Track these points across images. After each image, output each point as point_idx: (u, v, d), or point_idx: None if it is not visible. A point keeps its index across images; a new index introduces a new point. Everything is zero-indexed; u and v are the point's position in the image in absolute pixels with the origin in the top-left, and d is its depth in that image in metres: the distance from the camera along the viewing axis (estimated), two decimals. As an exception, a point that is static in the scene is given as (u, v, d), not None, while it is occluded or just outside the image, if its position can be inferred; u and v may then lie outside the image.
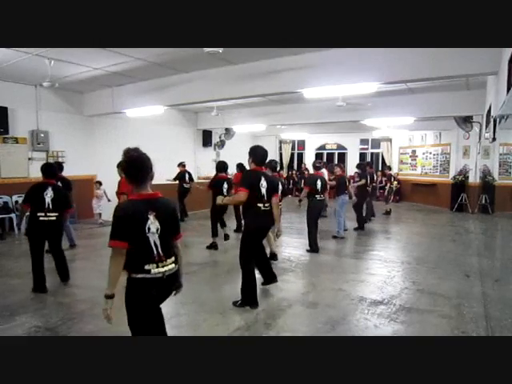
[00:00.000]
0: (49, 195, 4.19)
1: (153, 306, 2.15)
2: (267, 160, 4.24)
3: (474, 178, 11.08)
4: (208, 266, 5.53)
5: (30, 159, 7.94)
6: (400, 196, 13.35)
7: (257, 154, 4.01)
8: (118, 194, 5.28)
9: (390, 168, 12.22)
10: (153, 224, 2.07)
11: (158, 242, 2.10)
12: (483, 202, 10.82)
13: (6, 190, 7.54)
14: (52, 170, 4.46)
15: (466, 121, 9.61)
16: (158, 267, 2.09)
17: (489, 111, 6.01)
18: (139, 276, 2.06)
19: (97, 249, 6.41)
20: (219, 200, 4.34)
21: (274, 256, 5.62)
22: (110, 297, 2.04)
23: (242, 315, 3.76)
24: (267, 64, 5.86)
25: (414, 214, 10.45)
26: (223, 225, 6.75)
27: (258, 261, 4.16)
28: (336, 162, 15.24)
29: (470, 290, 4.55)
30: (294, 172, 16.55)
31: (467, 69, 4.66)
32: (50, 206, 4.19)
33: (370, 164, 10.58)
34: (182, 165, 9.60)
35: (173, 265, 2.19)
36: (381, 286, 4.68)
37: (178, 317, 3.66)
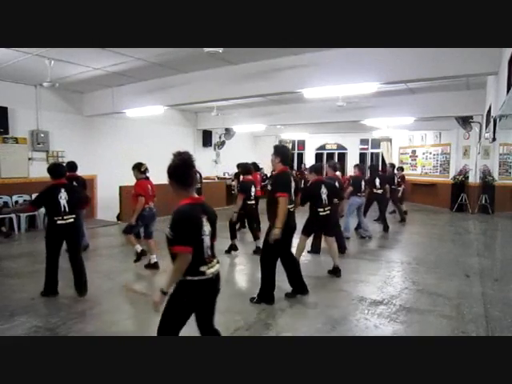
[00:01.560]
0: (63, 197, 4.02)
1: (201, 308, 2.23)
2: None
3: (474, 178, 11.07)
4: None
5: (30, 159, 7.95)
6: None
7: (284, 153, 3.97)
8: (135, 196, 5.11)
9: (402, 168, 11.44)
10: (206, 226, 2.15)
11: (209, 244, 2.19)
12: (483, 202, 10.82)
13: (6, 190, 7.54)
14: (60, 169, 4.26)
15: (465, 121, 9.61)
16: (209, 268, 2.16)
17: (489, 111, 6.01)
18: (196, 278, 2.11)
19: (97, 249, 6.41)
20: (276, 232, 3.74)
21: (337, 271, 5.02)
22: (165, 293, 2.11)
23: (242, 315, 3.76)
24: (267, 64, 5.86)
25: (414, 214, 10.44)
26: (233, 236, 6.39)
27: (289, 269, 4.11)
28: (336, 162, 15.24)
29: (469, 290, 4.55)
30: (294, 172, 16.54)
31: (467, 69, 4.65)
32: (67, 209, 4.03)
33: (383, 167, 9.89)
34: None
35: (218, 265, 2.27)
36: (381, 286, 4.68)
37: (178, 317, 3.66)
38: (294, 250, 4.40)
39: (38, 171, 7.68)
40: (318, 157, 16.78)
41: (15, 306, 3.87)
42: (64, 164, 5.51)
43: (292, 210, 3.89)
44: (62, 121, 8.46)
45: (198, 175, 8.80)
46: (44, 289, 4.15)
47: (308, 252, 6.22)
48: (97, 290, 4.42)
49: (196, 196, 2.21)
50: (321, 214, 4.79)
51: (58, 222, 4.00)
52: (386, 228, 8.07)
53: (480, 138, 10.21)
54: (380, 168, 9.99)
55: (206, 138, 12.69)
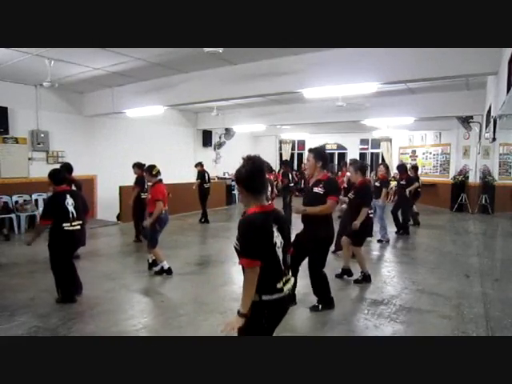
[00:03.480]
0: (70, 203, 3.96)
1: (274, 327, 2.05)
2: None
3: (474, 178, 11.07)
4: (208, 266, 5.53)
5: (30, 159, 7.95)
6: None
7: (325, 157, 3.77)
8: (151, 201, 4.95)
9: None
10: (277, 238, 1.96)
11: (281, 257, 1.99)
12: (483, 202, 10.82)
13: (6, 189, 7.54)
14: (60, 175, 4.15)
15: (464, 121, 9.60)
16: (285, 284, 1.99)
17: (489, 111, 6.01)
18: (274, 297, 1.93)
19: (97, 249, 6.41)
20: (300, 210, 3.72)
21: (348, 272, 4.93)
22: (245, 316, 1.90)
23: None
24: (267, 64, 5.86)
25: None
26: None
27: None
28: (336, 162, 15.26)
29: (470, 290, 4.55)
30: (294, 173, 16.54)
31: (467, 69, 4.65)
32: (74, 215, 3.98)
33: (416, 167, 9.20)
34: (200, 165, 9.38)
35: (292, 279, 2.10)
36: (381, 286, 4.68)
37: (178, 317, 3.66)
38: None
39: (38, 171, 7.69)
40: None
41: (15, 306, 3.88)
42: (62, 165, 5.48)
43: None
44: (62, 121, 8.47)
45: (206, 175, 8.63)
46: (62, 297, 4.04)
47: (332, 252, 5.93)
48: (97, 290, 4.42)
49: (266, 204, 2.01)
50: (370, 215, 4.71)
51: (66, 228, 3.92)
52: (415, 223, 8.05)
53: (480, 138, 10.21)
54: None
55: (206, 137, 12.69)
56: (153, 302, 4.22)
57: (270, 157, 14.76)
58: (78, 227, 4.03)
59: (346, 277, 4.85)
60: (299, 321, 3.70)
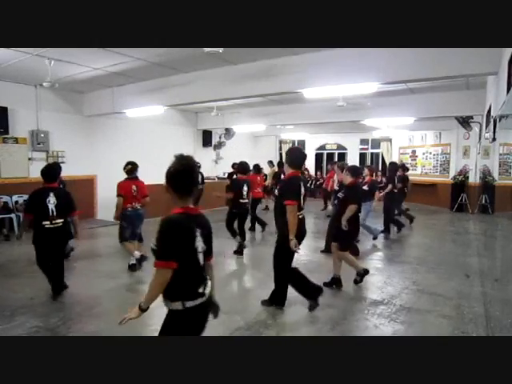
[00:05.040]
0: (52, 202, 3.98)
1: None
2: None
3: (473, 178, 11.07)
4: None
5: (29, 159, 7.94)
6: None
7: (292, 156, 3.73)
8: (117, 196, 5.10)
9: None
10: (199, 243, 1.91)
11: (202, 263, 1.96)
12: (483, 202, 10.82)
13: (6, 190, 7.54)
14: (52, 172, 4.21)
15: (464, 121, 9.60)
16: (205, 288, 1.95)
17: (489, 111, 6.01)
18: (198, 302, 1.88)
19: (97, 249, 6.41)
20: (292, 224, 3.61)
21: (337, 281, 4.66)
22: (144, 311, 1.87)
23: (241, 315, 3.76)
24: (267, 64, 5.86)
25: (414, 214, 10.42)
26: (234, 234, 6.28)
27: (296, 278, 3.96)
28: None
29: (470, 290, 4.55)
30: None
31: (467, 69, 4.65)
32: (54, 213, 3.99)
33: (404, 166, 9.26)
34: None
35: (209, 283, 2.03)
36: (381, 286, 4.68)
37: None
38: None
39: (38, 171, 7.61)
40: (318, 157, 16.78)
41: (15, 306, 3.87)
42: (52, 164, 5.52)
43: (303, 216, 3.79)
44: (62, 121, 8.46)
45: (199, 176, 8.67)
46: (52, 290, 4.16)
47: (321, 252, 6.07)
48: (97, 290, 4.42)
49: (192, 206, 1.94)
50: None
51: (46, 226, 3.96)
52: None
53: (480, 138, 10.21)
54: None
55: (206, 137, 12.69)
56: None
57: (270, 157, 14.75)
58: (60, 225, 4.03)
59: (334, 286, 4.55)
60: (299, 321, 3.70)
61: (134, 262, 5.16)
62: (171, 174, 1.93)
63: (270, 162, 12.92)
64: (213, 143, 12.98)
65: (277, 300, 3.93)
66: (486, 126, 7.22)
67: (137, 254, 5.14)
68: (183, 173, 1.91)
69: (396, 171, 8.29)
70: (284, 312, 3.85)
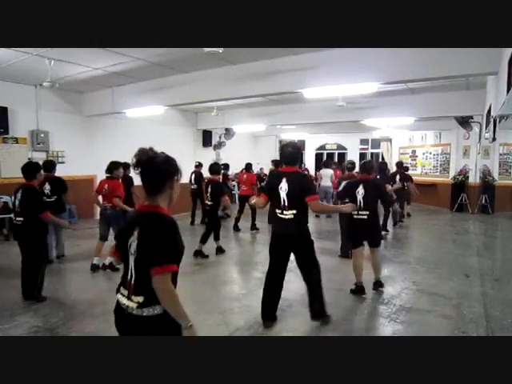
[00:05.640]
0: (18, 198, 4.02)
1: None
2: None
3: (473, 178, 11.07)
4: (208, 266, 5.53)
5: (29, 159, 7.92)
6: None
7: (280, 153, 3.66)
8: (112, 196, 5.17)
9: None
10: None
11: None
12: (483, 202, 10.82)
13: (6, 190, 7.53)
14: (26, 170, 4.13)
15: (464, 121, 9.59)
16: None
17: (489, 111, 6.01)
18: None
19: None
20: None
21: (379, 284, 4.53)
22: (191, 325, 1.72)
23: (241, 315, 3.76)
24: (267, 64, 5.86)
25: (414, 214, 10.45)
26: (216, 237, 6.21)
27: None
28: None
29: (470, 290, 4.55)
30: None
31: (467, 69, 4.65)
32: (18, 210, 4.02)
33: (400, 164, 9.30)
34: (194, 165, 9.37)
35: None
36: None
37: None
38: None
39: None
40: (318, 157, 16.79)
41: (15, 306, 3.88)
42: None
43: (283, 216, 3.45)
44: (62, 121, 8.46)
45: (193, 176, 8.63)
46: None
47: (339, 256, 5.91)
48: (97, 290, 4.42)
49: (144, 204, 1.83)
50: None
51: (14, 221, 4.15)
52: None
53: (480, 138, 10.21)
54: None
55: (206, 137, 12.69)
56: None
57: (270, 157, 14.75)
58: (19, 223, 4.06)
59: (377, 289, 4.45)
60: (299, 321, 3.69)
61: (96, 262, 5.16)
62: (174, 171, 1.85)
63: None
64: (213, 143, 12.98)
65: (324, 310, 3.55)
66: (486, 126, 7.22)
67: (108, 258, 4.99)
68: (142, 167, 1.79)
69: (384, 171, 8.39)
70: (284, 312, 3.85)
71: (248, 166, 8.84)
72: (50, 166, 5.67)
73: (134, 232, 1.72)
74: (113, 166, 5.39)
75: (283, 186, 3.35)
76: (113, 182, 5.30)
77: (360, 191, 4.29)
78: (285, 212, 3.37)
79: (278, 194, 3.37)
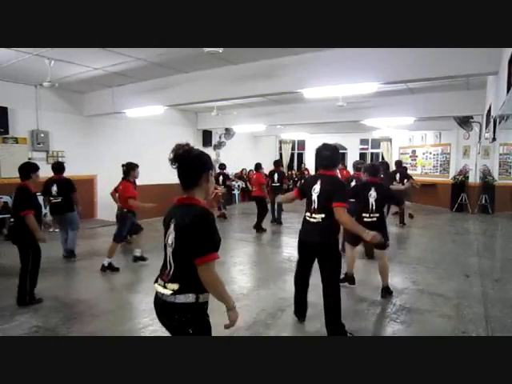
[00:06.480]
0: (13, 197, 4.15)
1: None
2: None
3: (474, 178, 11.07)
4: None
5: (29, 159, 7.92)
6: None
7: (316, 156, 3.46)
8: (124, 198, 5.20)
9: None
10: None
11: None
12: (483, 202, 10.82)
13: (6, 190, 7.53)
14: (21, 170, 4.26)
15: (463, 122, 9.59)
16: None
17: (489, 111, 6.01)
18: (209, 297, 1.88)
19: (97, 249, 6.41)
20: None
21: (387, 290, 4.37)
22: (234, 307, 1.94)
23: (241, 315, 3.75)
24: (267, 64, 5.86)
25: (414, 214, 10.44)
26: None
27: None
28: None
29: (469, 290, 4.55)
30: (293, 172, 16.61)
31: (467, 69, 4.65)
32: (12, 210, 4.22)
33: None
34: None
35: None
36: (381, 286, 4.67)
37: (178, 317, 3.66)
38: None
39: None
40: (318, 157, 16.77)
41: (15, 306, 3.87)
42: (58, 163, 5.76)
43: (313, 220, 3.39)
44: (62, 121, 8.46)
45: None
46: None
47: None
48: (97, 290, 4.42)
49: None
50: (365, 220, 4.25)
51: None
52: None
53: (480, 138, 10.22)
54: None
55: (206, 138, 12.70)
56: (152, 302, 4.22)
57: (270, 157, 14.76)
58: (12, 224, 4.20)
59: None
60: (299, 321, 3.69)
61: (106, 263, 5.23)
62: (209, 165, 1.87)
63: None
64: (213, 143, 12.98)
65: (341, 326, 3.32)
66: (486, 126, 7.23)
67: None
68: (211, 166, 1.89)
69: (385, 170, 8.43)
70: (284, 312, 3.85)
71: (258, 166, 8.77)
72: (58, 167, 5.87)
73: (170, 224, 1.80)
74: (125, 168, 5.38)
75: (316, 188, 3.27)
76: (122, 183, 5.38)
77: (372, 194, 4.27)
78: (314, 215, 3.28)
79: (311, 196, 3.30)
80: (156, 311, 1.91)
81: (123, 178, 5.37)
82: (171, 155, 1.83)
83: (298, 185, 8.20)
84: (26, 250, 4.01)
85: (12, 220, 4.15)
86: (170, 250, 1.81)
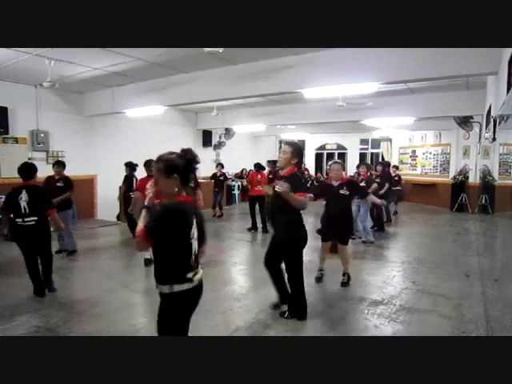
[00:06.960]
0: (24, 199, 4.01)
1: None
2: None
3: (473, 178, 11.07)
4: (208, 266, 5.53)
5: (29, 159, 7.91)
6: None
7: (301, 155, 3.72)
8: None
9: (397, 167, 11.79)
10: (195, 230, 2.04)
11: (196, 249, 2.09)
12: (483, 202, 10.82)
13: (6, 190, 7.51)
14: (26, 170, 4.24)
15: (463, 122, 9.59)
16: (195, 275, 2.06)
17: (489, 111, 6.01)
18: (185, 287, 2.00)
19: (97, 249, 6.41)
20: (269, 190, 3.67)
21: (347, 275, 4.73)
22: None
23: (241, 315, 3.76)
24: (267, 64, 5.86)
25: (414, 214, 10.45)
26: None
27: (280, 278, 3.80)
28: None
29: (470, 290, 4.55)
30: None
31: (467, 69, 4.65)
32: (27, 211, 4.00)
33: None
34: None
35: (201, 271, 2.16)
36: (381, 286, 4.68)
37: (178, 317, 3.66)
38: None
39: (38, 171, 7.65)
40: (318, 157, 16.79)
41: (15, 306, 3.87)
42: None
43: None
44: (62, 121, 8.46)
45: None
46: (34, 290, 4.19)
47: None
48: (97, 290, 4.42)
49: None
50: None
51: (18, 222, 4.03)
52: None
53: (480, 138, 10.21)
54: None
55: (206, 137, 12.69)
56: (153, 302, 4.21)
57: (270, 157, 14.74)
58: (32, 223, 4.03)
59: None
60: (299, 321, 3.69)
61: (148, 256, 5.08)
62: (183, 165, 2.07)
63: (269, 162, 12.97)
64: (213, 143, 12.98)
65: (299, 313, 3.66)
66: (486, 126, 7.22)
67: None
68: (191, 164, 2.11)
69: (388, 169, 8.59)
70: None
71: (261, 167, 8.69)
72: (59, 165, 5.94)
73: (193, 221, 2.02)
74: (145, 164, 5.40)
75: None
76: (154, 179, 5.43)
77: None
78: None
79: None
80: (198, 297, 2.13)
81: (149, 175, 5.20)
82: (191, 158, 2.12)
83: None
84: (50, 244, 4.28)
85: (31, 219, 4.00)
86: (195, 243, 2.05)
